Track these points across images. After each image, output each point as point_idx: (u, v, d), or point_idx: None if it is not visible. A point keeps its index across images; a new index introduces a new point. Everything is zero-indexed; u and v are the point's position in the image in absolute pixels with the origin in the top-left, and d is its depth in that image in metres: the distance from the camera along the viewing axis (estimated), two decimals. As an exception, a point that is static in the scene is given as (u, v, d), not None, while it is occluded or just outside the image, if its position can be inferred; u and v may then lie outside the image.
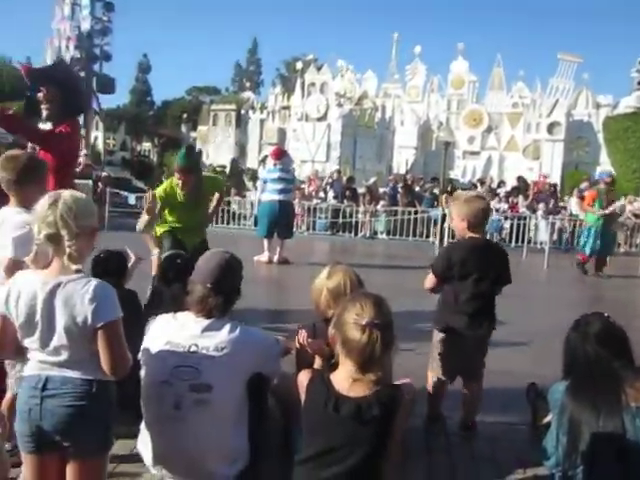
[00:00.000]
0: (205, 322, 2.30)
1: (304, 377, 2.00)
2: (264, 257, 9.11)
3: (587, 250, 9.82)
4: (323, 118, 22.05)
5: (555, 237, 13.93)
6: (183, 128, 37.27)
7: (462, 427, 3.30)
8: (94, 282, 1.94)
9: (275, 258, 9.12)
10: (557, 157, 22.54)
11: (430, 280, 3.22)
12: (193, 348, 2.26)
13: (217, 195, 5.20)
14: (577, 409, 2.11)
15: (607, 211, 9.72)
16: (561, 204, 15.93)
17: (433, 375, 3.26)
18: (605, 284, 9.31)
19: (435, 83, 25.99)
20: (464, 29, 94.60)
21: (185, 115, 38.85)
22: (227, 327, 2.29)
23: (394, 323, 1.93)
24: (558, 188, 18.43)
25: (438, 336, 3.25)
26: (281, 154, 9.34)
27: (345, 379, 1.90)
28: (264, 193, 9.21)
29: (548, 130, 22.58)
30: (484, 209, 3.18)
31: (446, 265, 3.15)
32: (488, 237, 14.06)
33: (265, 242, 9.18)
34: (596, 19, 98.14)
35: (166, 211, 4.75)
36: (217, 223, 14.29)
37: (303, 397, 1.97)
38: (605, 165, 21.23)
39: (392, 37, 26.86)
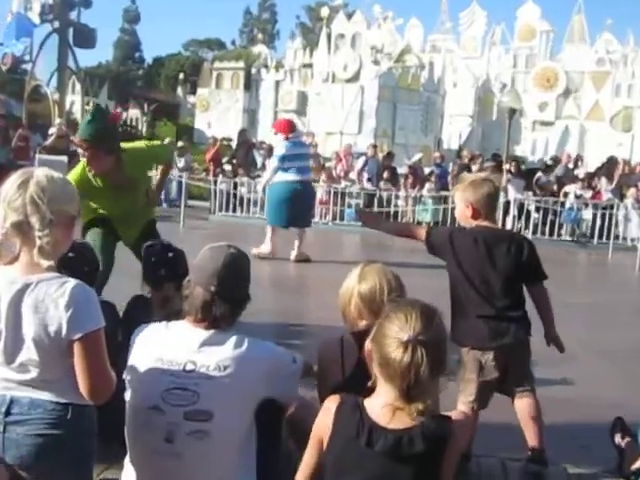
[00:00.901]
0: (205, 334, 2.31)
1: (332, 403, 2.00)
2: (265, 249, 9.14)
3: None
4: (354, 79, 21.99)
5: (651, 232, 13.70)
6: (179, 91, 37.65)
7: (534, 460, 3.25)
8: (71, 283, 1.95)
9: (293, 255, 9.15)
10: (655, 129, 22.18)
11: (417, 235, 3.59)
12: (190, 366, 2.26)
13: (161, 168, 5.19)
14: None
15: None
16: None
17: (462, 402, 3.30)
18: None
19: (498, 34, 25.76)
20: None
21: (182, 75, 39.21)
22: (232, 341, 2.30)
23: (446, 340, 1.92)
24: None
25: (462, 353, 3.32)
26: (292, 126, 9.48)
27: (383, 407, 1.89)
28: (278, 173, 9.25)
29: (643, 94, 22.23)
30: (490, 194, 3.31)
31: (443, 245, 3.37)
32: (564, 230, 14.00)
33: (269, 231, 9.26)
34: None
35: (89, 201, 4.45)
36: (221, 210, 14.44)
37: (329, 428, 1.97)
38: None
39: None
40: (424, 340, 1.82)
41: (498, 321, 3.22)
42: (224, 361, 2.26)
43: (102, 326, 1.98)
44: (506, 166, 13.97)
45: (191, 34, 71.05)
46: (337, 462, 1.95)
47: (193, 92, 34.59)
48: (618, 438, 3.39)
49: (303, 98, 25.41)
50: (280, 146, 9.19)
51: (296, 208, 9.00)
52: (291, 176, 9.00)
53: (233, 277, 2.36)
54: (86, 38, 20.09)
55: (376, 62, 22.22)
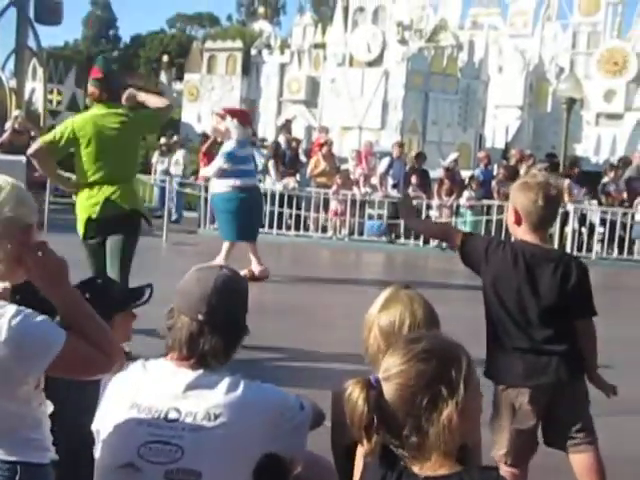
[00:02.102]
0: (192, 375, 2.29)
1: (362, 451, 2.07)
2: (256, 269, 9.43)
3: None
4: (377, 62, 22.08)
5: None
6: (163, 76, 37.91)
7: None
8: (10, 310, 1.97)
9: (257, 270, 9.40)
10: None
11: (453, 240, 3.55)
12: (173, 415, 2.25)
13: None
14: None
15: None
16: None
17: (502, 457, 3.31)
18: None
19: (554, 6, 25.84)
20: None
21: (166, 57, 39.47)
22: (225, 383, 2.28)
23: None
24: None
25: (498, 394, 3.32)
26: (250, 119, 9.88)
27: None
28: (227, 178, 9.38)
29: None
30: (542, 201, 3.23)
31: (477, 258, 3.40)
32: (637, 247, 13.92)
33: (227, 246, 9.39)
34: None
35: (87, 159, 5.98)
36: (213, 223, 14.47)
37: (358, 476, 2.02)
38: None
39: None
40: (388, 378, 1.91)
41: (536, 355, 3.23)
42: (215, 408, 2.24)
43: (63, 341, 2.01)
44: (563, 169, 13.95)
45: (177, 8, 71.63)
46: None
47: (180, 78, 34.81)
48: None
49: (314, 85, 25.51)
50: (231, 142, 9.39)
51: (247, 219, 9.35)
52: (251, 180, 9.61)
53: (226, 304, 2.34)
54: (50, 12, 20.27)
55: (403, 41, 22.29)
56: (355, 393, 1.92)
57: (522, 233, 3.34)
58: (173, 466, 2.20)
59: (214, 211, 10.16)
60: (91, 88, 6.19)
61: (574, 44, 25.10)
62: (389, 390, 1.92)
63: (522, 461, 3.34)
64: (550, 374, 3.22)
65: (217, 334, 2.30)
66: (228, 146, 9.37)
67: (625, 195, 14.69)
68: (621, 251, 13.64)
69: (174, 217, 15.70)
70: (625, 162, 16.59)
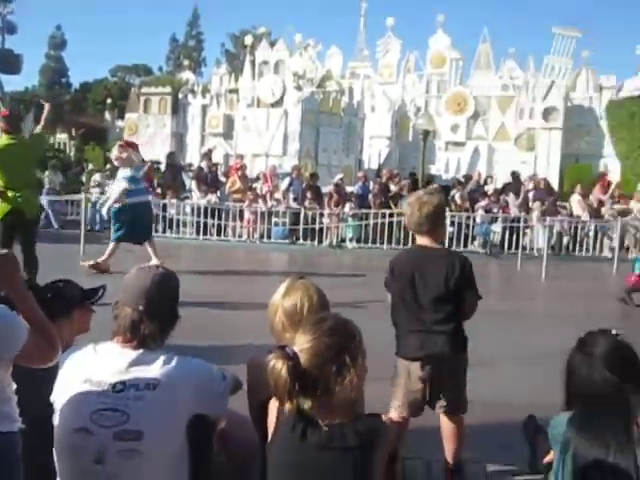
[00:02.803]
0: (134, 354, 2.25)
1: (274, 405, 2.08)
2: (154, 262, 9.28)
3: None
4: (278, 103, 22.09)
5: (554, 242, 14.27)
6: (107, 116, 36.79)
7: (448, 471, 3.34)
8: None
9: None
10: (555, 148, 23.14)
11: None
12: (119, 386, 2.20)
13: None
14: (582, 445, 2.15)
15: None
16: (560, 203, 16.33)
17: (392, 407, 3.34)
18: (609, 295, 9.57)
19: (412, 61, 26.41)
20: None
21: (109, 100, 38.34)
22: (161, 359, 2.25)
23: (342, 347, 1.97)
24: (556, 184, 18.93)
25: (397, 363, 3.36)
26: (138, 147, 10.36)
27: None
28: (134, 195, 9.52)
29: (543, 116, 23.18)
30: (417, 212, 3.24)
31: (389, 278, 3.35)
32: (477, 242, 14.42)
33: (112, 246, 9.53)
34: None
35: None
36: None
37: (271, 428, 2.06)
38: (609, 158, 21.95)
39: (360, 7, 27.23)
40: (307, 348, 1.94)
41: (426, 334, 3.23)
42: (153, 380, 2.20)
43: (26, 334, 1.98)
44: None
45: (118, 60, 69.70)
46: (275, 460, 2.01)
47: (121, 117, 33.89)
48: (530, 434, 3.49)
49: (229, 122, 25.28)
50: (133, 169, 9.57)
51: (143, 224, 9.65)
52: (146, 196, 9.90)
53: (161, 296, 2.31)
54: (11, 63, 19.45)
55: (299, 87, 22.38)
56: (278, 364, 1.93)
57: (417, 238, 3.36)
58: (120, 428, 2.16)
59: (111, 220, 10.00)
60: (1, 124, 6.97)
61: (427, 90, 25.74)
62: (305, 361, 1.95)
63: (411, 414, 3.35)
64: (437, 349, 3.22)
65: (154, 321, 2.27)
66: (128, 171, 9.53)
67: (468, 204, 15.20)
68: (465, 245, 14.10)
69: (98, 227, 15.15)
70: (467, 178, 17.20)
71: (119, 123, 33.95)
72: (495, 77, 24.57)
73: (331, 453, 1.91)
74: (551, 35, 23.37)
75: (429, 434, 3.46)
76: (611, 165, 21.44)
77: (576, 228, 14.65)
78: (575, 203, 15.61)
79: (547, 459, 2.91)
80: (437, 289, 3.20)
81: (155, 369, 2.23)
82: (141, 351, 2.26)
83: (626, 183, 18.28)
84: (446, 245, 13.09)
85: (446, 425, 3.34)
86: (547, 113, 23.13)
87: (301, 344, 1.99)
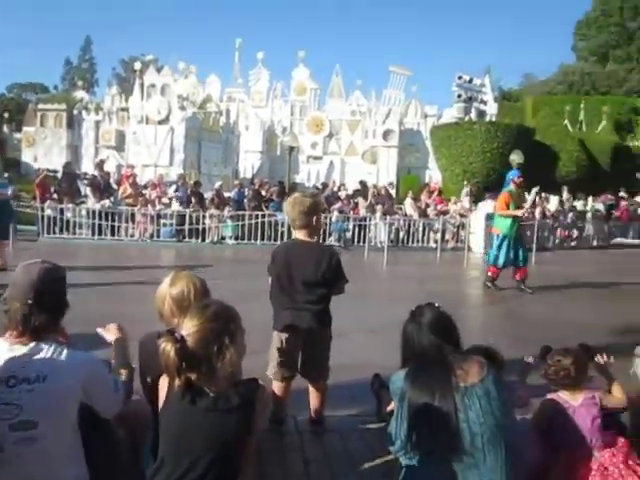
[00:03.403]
0: (25, 349, 2.06)
1: (165, 381, 2.00)
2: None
3: (501, 261, 8.36)
4: (165, 121, 21.29)
5: (392, 236, 14.92)
6: (6, 129, 33.65)
7: (312, 423, 3.38)
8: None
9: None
10: (392, 162, 24.19)
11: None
12: (12, 381, 2.00)
13: None
14: (415, 394, 2.25)
15: (525, 213, 8.87)
16: (397, 206, 17.09)
17: (273, 375, 3.33)
18: (434, 277, 10.16)
19: (279, 89, 26.46)
20: (305, 37, 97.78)
21: (7, 114, 35.10)
22: (51, 351, 2.07)
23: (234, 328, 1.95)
24: (394, 190, 19.77)
25: (274, 335, 3.35)
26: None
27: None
28: None
29: (383, 137, 24.15)
30: (292, 210, 3.27)
31: (271, 264, 3.33)
32: (333, 238, 14.74)
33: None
34: (424, 33, 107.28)
35: None
36: (49, 233, 13.16)
37: (162, 400, 1.99)
38: (433, 170, 23.32)
39: (235, 42, 26.83)
40: (195, 331, 1.91)
41: (298, 311, 3.23)
42: (43, 372, 2.01)
43: None
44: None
45: (14, 79, 63.96)
46: (166, 425, 1.96)
47: (19, 130, 31.13)
48: (376, 389, 3.61)
49: (121, 136, 24.00)
50: None
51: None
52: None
53: (49, 288, 2.12)
54: None
55: (183, 108, 21.72)
56: (168, 347, 1.88)
57: (294, 232, 3.34)
58: (14, 420, 1.97)
59: None
60: None
61: (292, 113, 25.91)
62: (191, 343, 1.90)
63: (284, 379, 3.34)
64: (305, 324, 3.21)
65: (44, 312, 2.08)
66: None
67: (325, 206, 15.44)
68: (324, 240, 14.32)
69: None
70: (324, 186, 17.50)
71: (17, 135, 31.22)
72: (346, 104, 25.24)
73: (217, 414, 1.89)
74: (388, 72, 24.44)
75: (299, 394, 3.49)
76: (434, 176, 22.83)
77: (409, 225, 15.37)
78: (408, 205, 16.38)
79: (389, 408, 3.02)
80: (308, 275, 3.20)
81: (46, 361, 2.04)
82: (32, 345, 2.06)
83: (446, 190, 19.50)
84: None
85: (312, 389, 3.38)
86: (386, 134, 24.13)
87: (188, 328, 1.94)
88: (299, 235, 3.30)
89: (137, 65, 23.45)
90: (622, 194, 19.74)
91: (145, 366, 2.48)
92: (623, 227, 18.60)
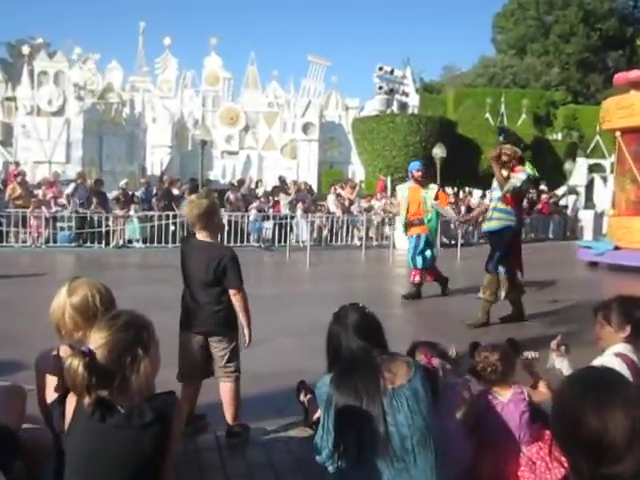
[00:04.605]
0: None
1: (72, 399, 1.95)
2: None
3: (419, 263, 8.07)
4: (60, 113, 20.31)
5: (315, 235, 15.06)
6: None
7: (230, 435, 3.36)
8: None
9: None
10: (313, 156, 24.41)
11: None
12: None
13: None
14: (341, 398, 2.28)
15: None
16: (319, 203, 17.26)
17: (178, 378, 3.38)
18: (359, 276, 10.35)
19: (188, 78, 25.95)
20: (216, 23, 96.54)
21: None
22: None
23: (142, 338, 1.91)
24: (315, 186, 19.96)
25: (179, 335, 3.43)
26: None
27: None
28: None
29: (303, 130, 24.31)
30: (190, 214, 3.37)
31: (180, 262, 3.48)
32: (252, 238, 14.67)
33: None
34: (343, 22, 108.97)
35: None
36: None
37: (69, 420, 1.94)
38: (356, 165, 23.77)
39: (139, 26, 26.04)
40: (86, 352, 1.86)
41: (199, 312, 3.32)
42: None
43: None
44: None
45: None
46: (77, 441, 1.90)
47: None
48: (302, 397, 3.63)
49: (8, 129, 22.60)
50: None
51: None
52: None
53: None
54: None
55: (80, 98, 20.81)
56: (75, 362, 1.82)
57: (197, 232, 3.41)
58: None
59: None
60: None
61: (204, 104, 25.50)
62: (101, 356, 1.85)
63: (193, 382, 3.41)
64: (206, 325, 3.31)
65: None
66: None
67: (242, 204, 15.38)
68: (242, 241, 14.27)
69: None
70: (240, 182, 17.34)
71: None
72: (262, 96, 25.17)
73: (131, 431, 1.85)
74: (306, 62, 24.61)
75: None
76: (357, 170, 23.27)
77: (332, 222, 15.58)
78: (331, 202, 16.59)
79: (316, 415, 3.05)
80: (202, 275, 3.30)
81: None
82: None
83: (368, 185, 19.94)
84: (225, 241, 13.23)
85: (222, 392, 3.38)
86: (306, 127, 24.31)
87: (96, 341, 1.88)
88: (199, 236, 3.40)
89: (25, 49, 22.20)
90: (543, 187, 20.97)
91: (44, 388, 2.35)
92: (544, 220, 19.74)
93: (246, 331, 3.34)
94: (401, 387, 2.25)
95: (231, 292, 3.31)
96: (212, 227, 3.38)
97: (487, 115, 25.69)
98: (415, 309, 7.66)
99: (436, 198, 8.05)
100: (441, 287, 8.33)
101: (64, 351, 2.33)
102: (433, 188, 8.15)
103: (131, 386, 1.87)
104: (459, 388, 2.76)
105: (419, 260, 8.05)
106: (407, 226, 8.18)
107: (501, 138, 7.28)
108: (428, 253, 8.08)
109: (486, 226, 6.65)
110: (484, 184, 19.80)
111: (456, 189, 20.44)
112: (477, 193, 19.34)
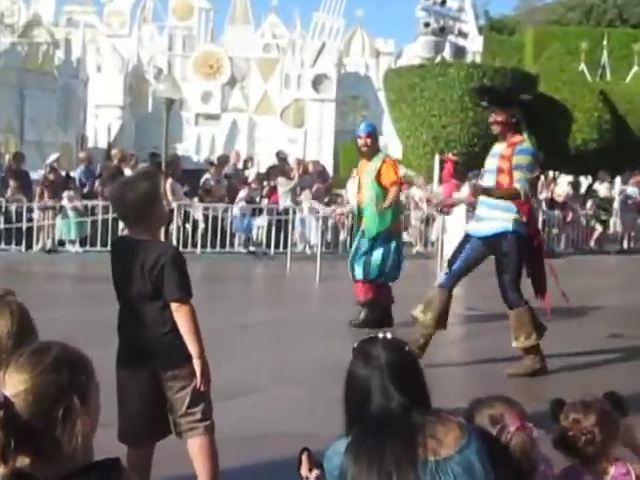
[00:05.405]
0: None
1: None
2: None
3: (358, 272, 8.08)
4: (-35, 56, 20.57)
5: (329, 238, 15.04)
6: None
7: None
8: None
9: None
10: (327, 124, 24.44)
11: None
12: None
13: None
14: (360, 474, 2.27)
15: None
16: (336, 191, 17.26)
17: (119, 438, 3.43)
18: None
19: (149, 9, 26.20)
20: None
21: None
22: None
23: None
24: (331, 167, 19.98)
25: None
26: None
27: None
28: None
29: (314, 85, 24.37)
30: (120, 201, 3.44)
31: None
32: (237, 241, 14.70)
33: None
34: None
35: None
36: None
37: None
38: (388, 137, 23.72)
39: None
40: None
41: (139, 339, 3.36)
42: None
43: None
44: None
45: None
46: None
47: None
48: (305, 471, 3.62)
49: None
50: None
51: None
52: None
53: None
54: None
55: (-6, 36, 21.07)
56: None
57: (127, 229, 3.62)
58: None
59: None
60: None
61: (170, 46, 25.69)
62: (22, 407, 1.82)
63: (141, 444, 3.43)
64: (149, 357, 3.35)
65: None
66: None
67: (224, 192, 15.41)
68: (223, 244, 14.30)
69: None
70: (222, 160, 17.39)
71: None
72: (255, 35, 25.28)
73: None
74: (320, -13, 24.73)
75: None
76: (392, 144, 23.17)
77: (354, 218, 15.50)
78: (352, 190, 16.52)
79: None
80: (138, 285, 3.34)
81: None
82: None
83: (407, 165, 19.89)
84: (199, 245, 13.28)
85: (191, 451, 3.42)
86: (318, 82, 24.37)
87: (14, 385, 1.87)
88: (133, 233, 3.49)
89: None
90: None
91: None
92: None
93: (196, 364, 3.34)
94: (448, 459, 2.24)
95: (172, 307, 3.34)
96: (151, 220, 3.43)
97: (582, 66, 25.61)
98: (470, 345, 7.65)
99: (378, 176, 7.92)
100: (368, 313, 8.01)
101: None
102: (377, 160, 8.06)
103: (62, 450, 1.85)
104: (545, 467, 2.75)
105: (358, 268, 7.98)
106: (358, 217, 8.32)
107: (484, 103, 6.85)
108: (375, 258, 7.93)
109: (473, 229, 6.53)
110: (576, 165, 19.77)
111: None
112: (566, 179, 19.25)
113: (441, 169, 17.71)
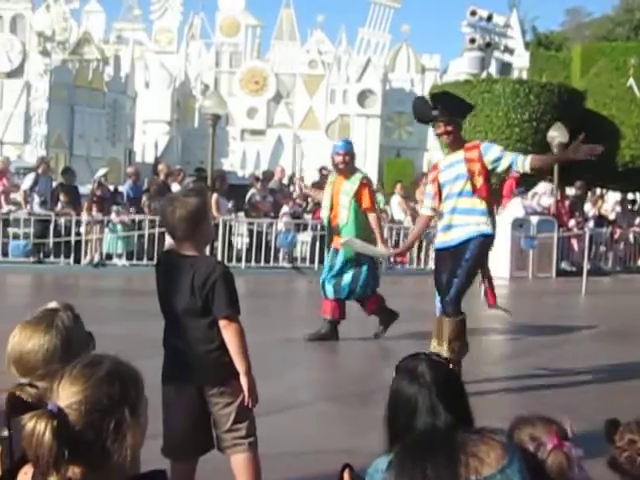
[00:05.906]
0: None
1: (26, 477, 1.94)
2: None
3: (329, 291, 8.10)
4: (17, 73, 21.04)
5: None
6: None
7: None
8: None
9: None
10: (372, 139, 24.49)
11: None
12: None
13: None
14: (403, 495, 2.27)
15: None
16: (380, 207, 17.23)
17: (163, 452, 3.43)
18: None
19: (197, 26, 26.51)
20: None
21: None
22: None
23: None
24: (374, 182, 19.95)
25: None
26: None
27: None
28: None
29: (359, 101, 24.43)
30: (170, 216, 3.41)
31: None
32: (281, 256, 14.75)
33: None
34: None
35: None
36: None
37: None
38: (435, 152, 23.69)
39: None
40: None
41: (185, 355, 3.37)
42: None
43: None
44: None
45: None
46: None
47: None
48: (347, 490, 3.62)
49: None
50: None
51: None
52: None
53: None
54: None
55: (45, 53, 21.47)
56: (40, 426, 1.79)
57: (175, 244, 3.55)
58: None
59: None
60: None
61: (217, 63, 25.96)
62: (76, 418, 1.85)
63: (185, 458, 3.45)
64: (194, 374, 3.37)
65: None
66: None
67: (269, 207, 15.49)
68: (267, 259, 14.36)
69: None
70: (267, 175, 17.49)
71: None
72: (301, 51, 25.44)
73: None
74: (366, 3, 24.81)
75: None
76: (435, 160, 23.12)
77: (398, 236, 15.50)
78: (395, 206, 16.53)
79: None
80: (186, 301, 3.36)
81: None
82: None
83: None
84: (243, 259, 13.30)
85: (235, 468, 3.42)
86: (363, 97, 24.43)
87: (68, 396, 1.90)
88: (181, 249, 3.49)
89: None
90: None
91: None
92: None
93: (243, 381, 3.35)
94: (489, 479, 2.24)
95: (221, 324, 3.35)
96: (199, 237, 3.47)
97: (630, 82, 25.30)
98: (511, 364, 7.56)
99: (357, 197, 7.84)
100: (383, 324, 8.15)
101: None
102: (355, 180, 7.93)
103: (112, 461, 1.86)
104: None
105: (328, 287, 7.93)
106: (330, 234, 8.21)
107: (436, 112, 6.57)
108: (345, 279, 7.90)
109: (441, 240, 6.23)
110: (624, 182, 19.50)
111: (580, 190, 20.12)
112: (613, 196, 18.99)
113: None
